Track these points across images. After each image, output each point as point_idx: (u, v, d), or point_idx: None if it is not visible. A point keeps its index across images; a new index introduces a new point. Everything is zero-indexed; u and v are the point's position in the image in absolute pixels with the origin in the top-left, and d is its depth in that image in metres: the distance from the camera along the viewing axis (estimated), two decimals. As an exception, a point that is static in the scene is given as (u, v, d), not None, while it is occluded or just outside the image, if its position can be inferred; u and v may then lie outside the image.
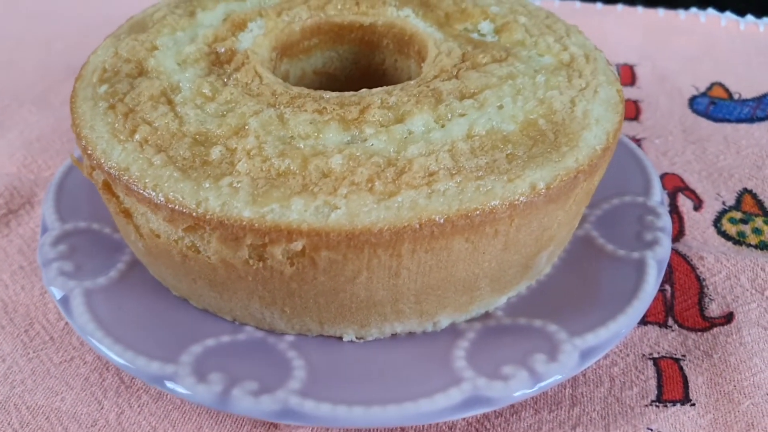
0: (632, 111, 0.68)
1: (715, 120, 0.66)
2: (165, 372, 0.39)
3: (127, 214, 0.41)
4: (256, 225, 0.36)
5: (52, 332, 0.47)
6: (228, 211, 0.36)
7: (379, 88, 0.44)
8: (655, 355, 0.45)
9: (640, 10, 0.83)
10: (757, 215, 0.55)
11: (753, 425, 0.41)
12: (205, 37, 0.48)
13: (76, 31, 0.81)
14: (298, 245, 0.36)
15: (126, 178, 0.38)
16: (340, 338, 0.43)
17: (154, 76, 0.45)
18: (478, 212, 0.37)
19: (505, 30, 0.49)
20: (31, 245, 0.53)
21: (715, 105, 0.68)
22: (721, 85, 0.71)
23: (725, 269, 0.50)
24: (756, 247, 0.53)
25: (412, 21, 0.51)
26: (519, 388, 0.38)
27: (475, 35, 0.49)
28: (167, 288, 0.45)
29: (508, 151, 0.39)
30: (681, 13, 0.82)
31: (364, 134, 0.40)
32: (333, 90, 0.54)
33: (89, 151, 0.40)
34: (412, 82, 0.44)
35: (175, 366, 0.39)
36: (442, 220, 0.36)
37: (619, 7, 0.83)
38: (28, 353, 0.46)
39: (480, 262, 0.40)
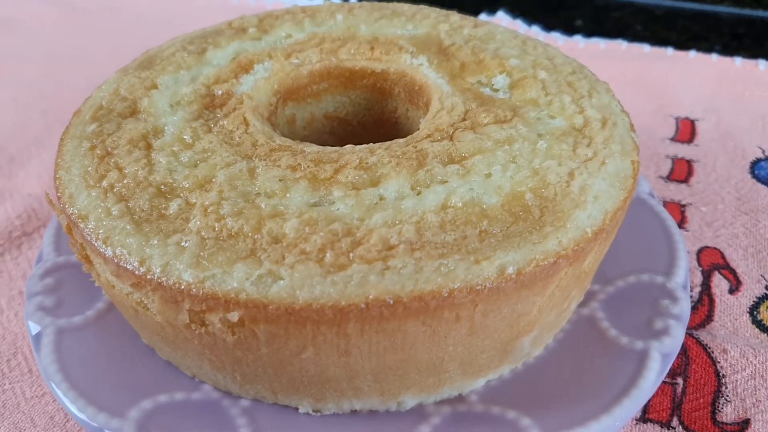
0: (683, 172, 0.62)
1: (779, 189, 0.60)
2: (109, 425, 0.38)
3: (88, 260, 0.40)
4: (194, 291, 0.34)
5: (31, 365, 0.47)
6: (169, 272, 0.34)
7: (364, 146, 0.41)
8: (651, 462, 0.41)
9: (714, 57, 0.76)
10: (803, 305, 0.49)
11: None
12: (207, 77, 0.47)
13: (126, 53, 0.83)
14: (234, 316, 0.34)
15: (83, 226, 0.38)
16: (296, 409, 0.40)
17: (143, 117, 0.44)
18: (433, 296, 0.33)
19: (520, 86, 0.46)
20: (35, 271, 0.54)
21: (780, 171, 0.61)
22: (791, 148, 0.64)
23: (750, 366, 0.45)
24: (795, 344, 0.46)
25: (424, 71, 0.48)
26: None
27: (486, 90, 0.46)
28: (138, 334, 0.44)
29: (483, 228, 0.36)
30: (761, 63, 0.75)
31: (331, 197, 0.38)
32: (345, 135, 0.54)
33: (58, 194, 0.40)
34: (401, 141, 0.42)
35: (121, 421, 0.38)
36: (392, 301, 0.33)
37: (692, 53, 0.77)
38: (4, 384, 0.46)
39: (443, 345, 0.37)
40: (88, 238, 0.37)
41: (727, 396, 0.43)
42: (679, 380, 0.45)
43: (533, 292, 0.36)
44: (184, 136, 0.42)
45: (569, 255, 0.36)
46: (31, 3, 0.95)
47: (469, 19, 0.54)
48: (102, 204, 0.38)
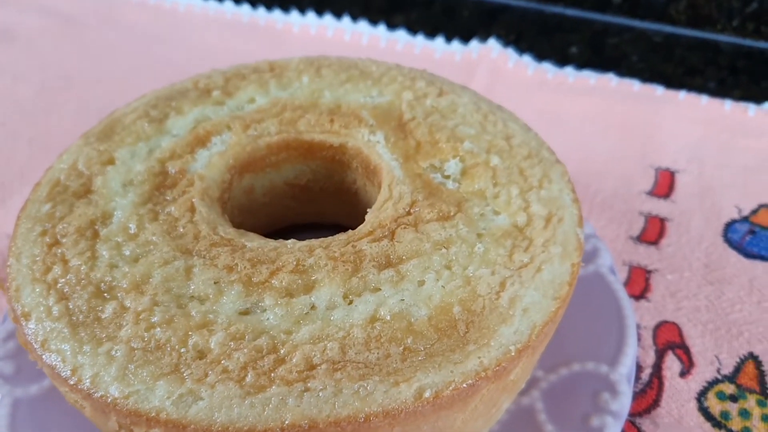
0: (654, 232, 0.61)
1: (748, 255, 0.59)
2: None
3: (30, 349, 0.41)
4: (119, 406, 0.35)
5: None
6: (97, 384, 0.36)
7: (304, 243, 0.42)
8: None
9: (703, 100, 0.75)
10: (752, 392, 0.49)
11: None
12: (163, 151, 0.48)
13: (119, 73, 0.84)
14: (156, 432, 0.35)
15: (24, 325, 0.39)
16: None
17: (95, 199, 0.45)
18: (350, 420, 0.34)
19: (470, 175, 0.46)
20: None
21: (753, 235, 0.61)
22: (766, 207, 0.63)
23: (688, 463, 0.45)
24: (737, 434, 0.47)
25: (379, 150, 0.48)
26: None
27: (437, 176, 0.46)
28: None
29: (407, 344, 0.36)
30: (751, 108, 0.73)
31: (263, 303, 0.38)
32: (307, 200, 0.54)
33: (8, 284, 0.41)
34: (342, 237, 0.42)
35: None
36: (307, 426, 0.34)
37: (681, 94, 0.76)
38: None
39: (363, 458, 0.37)
40: (29, 339, 0.38)
41: (660, 494, 0.44)
42: (615, 474, 0.45)
43: (453, 411, 0.37)
44: (130, 225, 0.43)
45: (489, 376, 0.36)
46: (29, 16, 0.96)
47: (435, 85, 0.54)
48: (44, 302, 0.39)
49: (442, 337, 0.37)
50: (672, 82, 0.79)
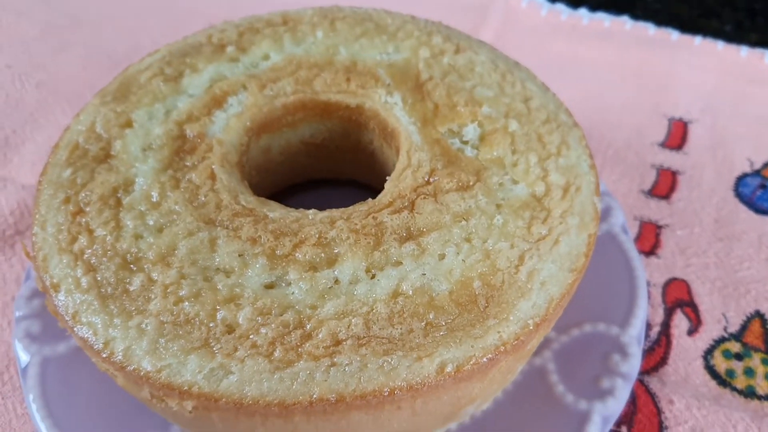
0: (666, 186, 0.62)
1: (758, 211, 0.60)
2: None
3: (61, 319, 0.42)
4: (152, 380, 0.36)
5: (22, 379, 0.51)
6: (129, 358, 0.37)
7: (325, 213, 0.42)
8: None
9: (719, 46, 0.73)
10: (757, 350, 0.51)
11: None
12: (180, 113, 0.48)
13: (127, 14, 0.82)
14: (188, 405, 0.36)
15: (54, 295, 0.40)
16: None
17: (115, 164, 0.45)
18: (375, 394, 0.36)
19: (488, 141, 0.46)
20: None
21: (764, 189, 0.61)
22: (781, 162, 0.64)
23: (692, 420, 0.47)
24: (740, 393, 0.48)
25: (397, 112, 0.48)
26: None
27: (455, 142, 0.46)
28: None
29: (429, 319, 0.37)
30: (767, 56, 0.72)
31: (287, 277, 0.39)
32: (323, 157, 0.55)
33: (33, 254, 0.42)
34: (363, 208, 0.42)
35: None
36: (334, 400, 0.36)
37: (697, 39, 0.74)
38: (-3, 398, 0.50)
39: (386, 427, 0.39)
40: (60, 311, 0.39)
41: (665, 450, 0.46)
42: (624, 429, 0.47)
43: (472, 382, 0.38)
44: (152, 193, 0.43)
45: (508, 350, 0.38)
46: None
47: (452, 40, 0.53)
48: (72, 273, 0.40)
49: (463, 312, 0.38)
50: (687, 25, 0.77)
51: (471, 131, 0.47)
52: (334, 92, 0.50)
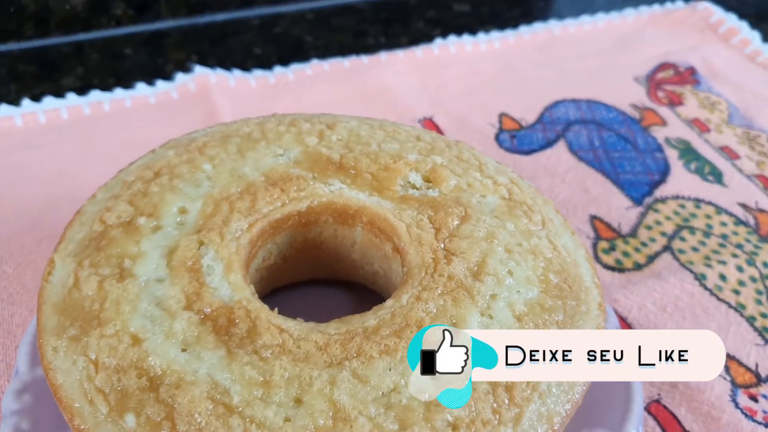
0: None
1: (525, 153, 0.77)
2: None
3: None
4: None
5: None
6: None
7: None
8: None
9: (419, 53, 0.89)
10: (614, 239, 0.68)
11: None
12: (177, 299, 0.43)
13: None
14: None
15: None
16: None
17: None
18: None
19: (435, 179, 0.52)
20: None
21: (514, 138, 0.79)
22: (506, 115, 0.82)
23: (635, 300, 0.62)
24: (633, 269, 0.65)
25: (346, 194, 0.51)
26: None
27: (415, 192, 0.51)
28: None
29: (554, 320, 0.44)
30: (434, 47, 0.90)
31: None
32: (271, 277, 0.54)
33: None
34: (432, 284, 0.45)
35: None
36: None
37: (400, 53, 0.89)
38: None
39: None
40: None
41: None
42: None
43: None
44: (251, 377, 0.40)
45: (604, 309, 0.47)
46: None
47: (312, 122, 0.56)
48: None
49: (563, 299, 0.45)
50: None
51: (416, 178, 0.52)
52: (279, 207, 0.50)
